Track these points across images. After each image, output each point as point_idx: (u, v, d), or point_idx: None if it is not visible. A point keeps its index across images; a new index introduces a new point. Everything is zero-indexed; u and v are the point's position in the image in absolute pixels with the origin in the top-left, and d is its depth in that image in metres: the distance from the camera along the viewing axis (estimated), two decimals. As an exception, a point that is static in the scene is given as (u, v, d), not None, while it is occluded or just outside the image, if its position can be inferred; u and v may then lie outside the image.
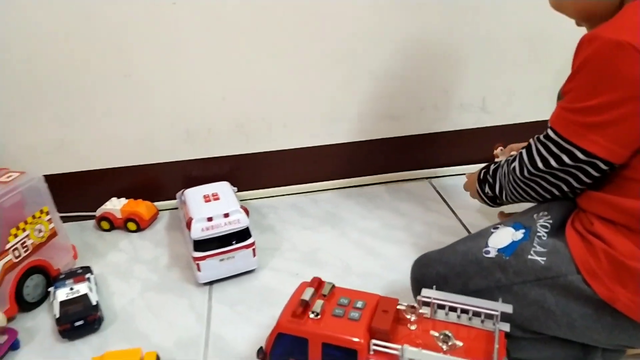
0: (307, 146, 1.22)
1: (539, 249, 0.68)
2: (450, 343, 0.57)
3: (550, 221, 0.71)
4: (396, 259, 1.00)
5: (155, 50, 1.06)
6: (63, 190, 1.01)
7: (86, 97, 1.08)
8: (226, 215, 0.93)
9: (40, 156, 1.12)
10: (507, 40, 1.17)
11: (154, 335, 0.84)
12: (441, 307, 0.63)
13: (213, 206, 0.96)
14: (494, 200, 0.86)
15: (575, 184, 0.69)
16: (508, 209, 0.92)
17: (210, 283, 0.96)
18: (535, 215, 0.73)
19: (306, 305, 0.62)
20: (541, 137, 0.70)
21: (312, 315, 0.61)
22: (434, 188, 1.26)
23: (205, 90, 1.11)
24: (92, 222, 1.17)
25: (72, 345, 0.83)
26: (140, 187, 1.19)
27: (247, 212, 0.96)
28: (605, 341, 0.67)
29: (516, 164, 0.74)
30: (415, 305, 0.62)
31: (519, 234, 0.71)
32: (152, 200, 1.19)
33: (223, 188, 1.04)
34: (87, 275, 0.92)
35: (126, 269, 1.02)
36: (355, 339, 0.58)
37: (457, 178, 1.25)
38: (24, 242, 0.89)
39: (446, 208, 1.17)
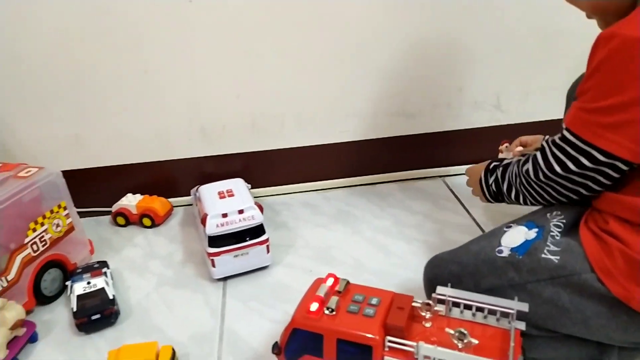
0: (320, 144, 1.23)
1: (552, 247, 0.68)
2: (465, 341, 0.57)
3: (564, 220, 0.71)
4: (409, 257, 1.00)
5: (171, 48, 1.07)
6: (79, 186, 1.02)
7: (103, 93, 1.10)
8: (241, 211, 0.94)
9: (58, 152, 1.14)
10: (522, 38, 1.16)
11: (169, 330, 0.85)
12: (456, 305, 0.63)
13: (228, 202, 0.97)
14: (495, 197, 0.84)
15: (594, 187, 0.67)
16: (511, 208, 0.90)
17: (225, 279, 0.96)
18: (548, 215, 0.73)
19: (321, 302, 0.62)
20: (556, 139, 0.68)
21: (327, 312, 0.61)
22: (447, 186, 1.26)
23: (220, 88, 1.12)
24: (108, 217, 1.18)
25: (88, 339, 0.85)
26: (155, 183, 1.21)
27: (261, 208, 0.97)
28: (621, 339, 0.66)
29: (529, 166, 0.73)
30: (430, 302, 0.62)
31: (532, 233, 0.71)
32: (167, 197, 1.20)
33: (237, 185, 1.05)
34: (104, 270, 0.93)
35: (141, 264, 1.03)
36: (371, 335, 0.58)
37: (470, 176, 1.25)
38: (42, 237, 0.91)
39: (459, 206, 1.17)
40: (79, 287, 0.88)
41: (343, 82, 1.16)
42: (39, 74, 1.06)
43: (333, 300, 0.62)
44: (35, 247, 0.89)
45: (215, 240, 0.92)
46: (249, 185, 1.10)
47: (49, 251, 0.92)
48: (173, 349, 0.77)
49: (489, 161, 0.87)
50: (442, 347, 0.55)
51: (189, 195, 1.17)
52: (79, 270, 0.94)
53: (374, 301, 0.62)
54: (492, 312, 0.61)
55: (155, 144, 1.17)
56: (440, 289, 0.63)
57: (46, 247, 0.92)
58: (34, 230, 0.89)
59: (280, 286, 0.95)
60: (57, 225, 0.94)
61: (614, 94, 0.60)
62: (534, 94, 1.24)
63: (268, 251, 0.97)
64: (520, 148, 0.97)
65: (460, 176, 1.28)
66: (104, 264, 0.96)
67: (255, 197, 1.03)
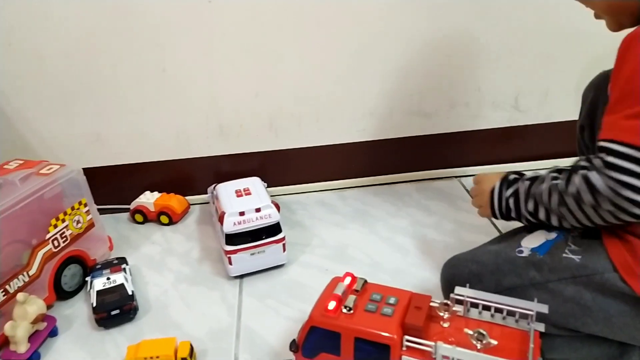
0: (337, 143, 1.23)
1: (573, 247, 0.67)
2: (484, 341, 0.57)
3: None
4: (426, 257, 1.00)
5: (191, 47, 1.08)
6: (99, 183, 1.04)
7: (122, 92, 1.11)
8: (258, 210, 0.94)
9: (79, 150, 1.16)
10: (541, 37, 1.15)
11: (187, 326, 0.86)
12: (474, 305, 0.62)
13: (245, 201, 0.98)
14: (506, 214, 0.74)
15: None
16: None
17: (241, 277, 0.97)
18: None
19: (339, 300, 0.62)
20: (597, 162, 0.59)
21: (344, 310, 0.61)
22: (464, 187, 1.25)
23: (238, 87, 1.13)
24: (127, 214, 1.20)
25: (107, 334, 0.86)
26: (173, 181, 1.22)
27: (277, 207, 0.97)
28: None
29: (582, 188, 0.61)
30: (449, 302, 0.62)
31: (553, 234, 0.70)
32: (184, 195, 1.21)
33: (254, 183, 1.05)
34: (123, 266, 0.94)
35: (159, 261, 1.04)
36: (388, 335, 0.58)
37: (487, 177, 1.24)
38: (63, 233, 0.92)
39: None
40: (99, 283, 0.90)
41: (360, 82, 1.16)
42: (61, 73, 1.08)
43: (351, 299, 0.62)
44: (56, 243, 0.91)
45: (232, 238, 0.93)
46: (265, 184, 1.10)
47: (69, 247, 0.94)
48: (191, 345, 0.78)
49: (506, 172, 0.77)
50: (460, 347, 0.55)
51: (206, 193, 1.17)
52: (99, 266, 0.95)
53: (392, 300, 0.62)
54: (511, 313, 0.61)
55: (174, 143, 1.18)
56: (458, 289, 0.63)
57: (67, 243, 0.93)
58: (55, 226, 0.91)
59: (296, 285, 0.95)
60: (78, 222, 0.96)
61: None
62: (553, 95, 1.22)
63: (284, 250, 0.97)
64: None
65: (477, 177, 1.27)
66: (123, 260, 0.97)
67: (271, 196, 1.04)
